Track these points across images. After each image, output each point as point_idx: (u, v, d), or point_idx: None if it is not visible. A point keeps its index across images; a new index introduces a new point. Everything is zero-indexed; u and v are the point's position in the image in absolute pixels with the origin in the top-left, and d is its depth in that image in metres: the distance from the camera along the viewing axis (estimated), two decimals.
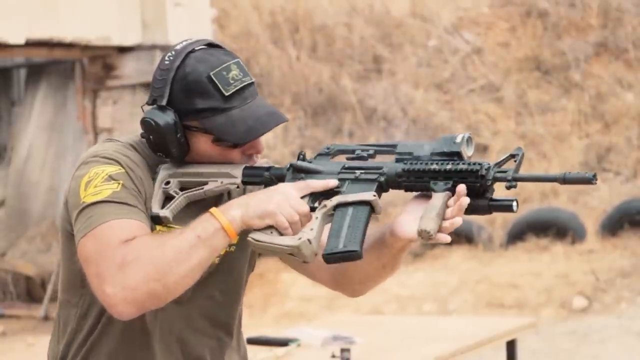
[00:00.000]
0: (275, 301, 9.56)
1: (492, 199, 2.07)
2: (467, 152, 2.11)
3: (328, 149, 2.21)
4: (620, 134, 11.09)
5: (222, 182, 2.18)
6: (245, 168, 2.19)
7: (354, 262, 2.14)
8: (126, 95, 9.74)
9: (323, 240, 2.14)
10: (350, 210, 2.12)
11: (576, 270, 9.23)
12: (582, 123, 11.34)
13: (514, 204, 2.05)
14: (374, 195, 2.11)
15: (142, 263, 2.03)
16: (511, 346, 4.88)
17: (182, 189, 2.19)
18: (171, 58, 2.19)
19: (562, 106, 11.54)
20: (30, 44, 9.09)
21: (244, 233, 2.13)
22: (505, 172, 2.05)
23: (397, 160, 2.14)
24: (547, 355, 7.64)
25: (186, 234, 2.06)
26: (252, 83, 2.21)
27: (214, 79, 2.16)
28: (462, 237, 10.19)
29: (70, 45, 9.39)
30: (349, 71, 12.34)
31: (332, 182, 2.14)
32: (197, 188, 2.19)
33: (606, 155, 11.04)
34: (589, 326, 8.21)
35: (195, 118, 2.16)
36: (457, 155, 2.10)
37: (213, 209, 2.09)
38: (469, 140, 2.11)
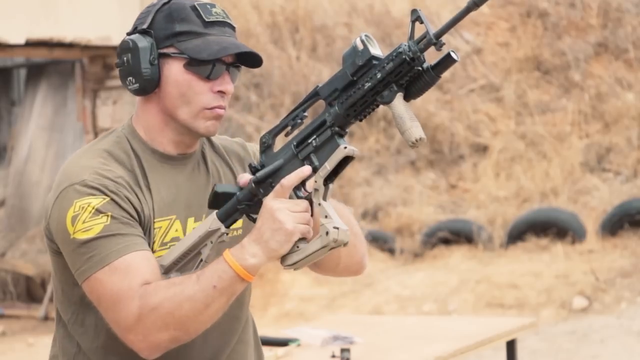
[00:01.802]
0: (275, 301, 9.56)
1: (432, 67, 2.01)
2: (376, 49, 2.05)
3: (264, 141, 2.15)
4: (620, 134, 11.09)
5: (211, 242, 2.15)
6: (217, 214, 2.14)
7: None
8: (126, 95, 9.73)
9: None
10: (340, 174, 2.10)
11: (576, 270, 9.23)
12: (582, 123, 11.34)
13: (452, 53, 1.99)
14: (345, 147, 2.06)
15: (161, 315, 2.05)
16: (511, 346, 4.88)
17: (183, 273, 2.16)
18: (156, 1, 2.23)
19: (562, 106, 11.54)
20: (30, 44, 9.10)
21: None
22: (423, 37, 1.99)
23: (330, 104, 2.08)
24: (547, 355, 7.64)
25: (202, 284, 2.06)
26: (234, 28, 2.22)
27: (198, 8, 2.19)
28: (462, 237, 10.20)
29: (70, 45, 9.40)
30: None
31: (306, 170, 2.09)
32: (197, 263, 2.17)
33: (606, 155, 11.04)
34: (589, 326, 8.21)
35: (171, 43, 2.17)
36: (373, 59, 2.03)
37: (227, 255, 2.07)
38: (367, 39, 2.04)
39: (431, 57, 2.02)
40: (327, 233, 2.05)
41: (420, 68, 2.01)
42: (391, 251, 10.39)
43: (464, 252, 10.10)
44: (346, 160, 2.08)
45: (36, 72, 11.05)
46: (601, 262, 9.33)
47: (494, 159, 11.28)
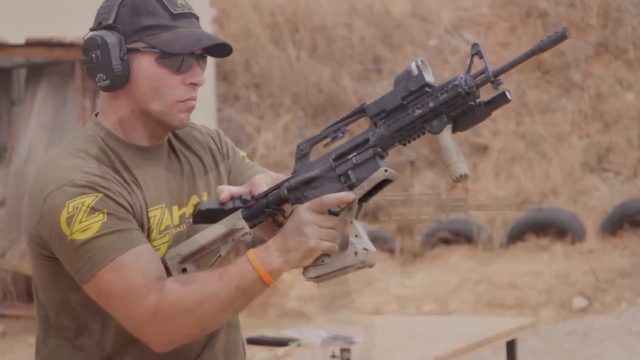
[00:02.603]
0: (275, 301, 9.56)
1: (485, 103, 2.00)
2: (430, 76, 2.03)
3: (302, 149, 2.13)
4: (620, 134, 11.09)
5: (232, 240, 2.14)
6: (243, 211, 2.13)
7: None
8: None
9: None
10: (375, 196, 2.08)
11: (576, 270, 9.23)
12: (582, 123, 11.34)
13: (507, 93, 1.98)
14: (385, 170, 2.04)
15: (181, 311, 2.05)
16: (511, 346, 4.88)
17: (199, 266, 2.15)
18: None
19: (562, 106, 11.54)
20: (30, 44, 9.10)
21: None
22: (482, 73, 1.98)
23: (375, 123, 2.05)
24: (547, 355, 7.64)
25: (225, 282, 2.05)
26: (198, 18, 2.21)
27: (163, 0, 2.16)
28: (462, 237, 10.19)
29: (70, 45, 9.39)
30: (349, 71, 12.34)
31: (349, 197, 2.06)
32: (215, 259, 2.15)
33: (606, 155, 11.04)
34: (589, 326, 8.21)
35: (140, 38, 2.14)
36: (426, 87, 2.01)
37: (251, 256, 2.07)
38: (423, 65, 2.02)
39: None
40: (355, 253, 2.04)
41: (473, 102, 1.99)
42: (391, 251, 10.39)
43: (464, 252, 10.10)
44: (383, 183, 2.05)
45: (36, 72, 11.04)
46: (601, 262, 9.33)
47: (494, 159, 11.28)
